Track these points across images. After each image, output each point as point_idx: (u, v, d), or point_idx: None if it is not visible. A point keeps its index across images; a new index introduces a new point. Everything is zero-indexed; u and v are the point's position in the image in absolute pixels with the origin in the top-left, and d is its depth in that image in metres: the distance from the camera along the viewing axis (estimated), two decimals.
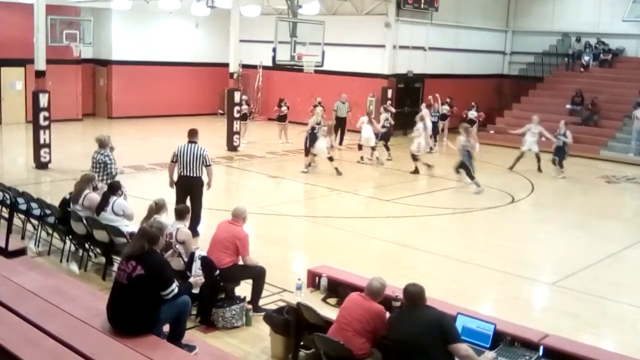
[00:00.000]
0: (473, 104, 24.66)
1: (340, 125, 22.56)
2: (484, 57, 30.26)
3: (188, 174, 11.31)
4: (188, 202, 10.96)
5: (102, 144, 11.67)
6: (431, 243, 12.28)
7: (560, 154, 19.08)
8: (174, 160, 11.43)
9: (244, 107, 22.53)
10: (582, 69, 28.58)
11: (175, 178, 11.57)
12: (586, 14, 28.77)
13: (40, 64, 17.36)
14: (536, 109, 26.88)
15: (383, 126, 20.17)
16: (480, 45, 29.83)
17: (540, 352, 5.99)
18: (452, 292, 8.96)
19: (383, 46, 26.02)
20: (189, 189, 11.36)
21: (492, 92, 30.06)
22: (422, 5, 26.19)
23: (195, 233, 10.93)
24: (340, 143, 22.56)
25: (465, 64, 29.18)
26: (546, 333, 6.30)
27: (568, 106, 26.46)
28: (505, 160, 20.74)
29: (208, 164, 11.47)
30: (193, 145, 11.40)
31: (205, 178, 11.50)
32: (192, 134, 11.58)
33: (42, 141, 17.17)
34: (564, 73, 29.10)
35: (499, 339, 6.15)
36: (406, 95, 27.01)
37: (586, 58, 28.53)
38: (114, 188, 10.01)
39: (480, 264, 11.16)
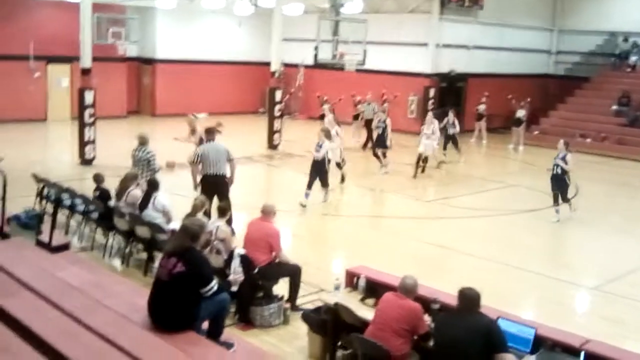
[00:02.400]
0: (522, 103, 24.23)
1: (367, 128, 21.48)
2: (529, 56, 29.83)
3: (215, 172, 11.27)
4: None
5: (143, 141, 11.88)
6: (471, 245, 12.15)
7: (560, 185, 13.87)
8: (197, 161, 11.36)
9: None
10: (628, 70, 27.98)
11: (198, 179, 11.51)
12: (634, 13, 28.11)
13: (86, 62, 17.64)
14: (582, 110, 26.53)
15: (379, 127, 18.21)
16: (525, 44, 29.41)
17: (582, 358, 5.89)
18: (492, 296, 8.79)
19: (426, 45, 25.84)
20: (217, 187, 11.26)
21: (537, 92, 29.61)
22: (467, 3, 25.95)
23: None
24: (365, 146, 21.56)
25: (510, 63, 28.78)
26: (588, 338, 6.20)
27: (614, 107, 25.94)
28: (549, 161, 20.40)
29: (231, 158, 11.48)
30: (214, 142, 11.46)
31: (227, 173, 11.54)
32: (211, 132, 11.66)
33: (87, 138, 17.48)
34: (611, 73, 28.51)
35: (540, 344, 6.08)
36: (449, 94, 26.79)
37: (633, 58, 27.91)
38: (154, 185, 10.15)
39: (521, 267, 11.01)
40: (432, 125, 18.42)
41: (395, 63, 26.30)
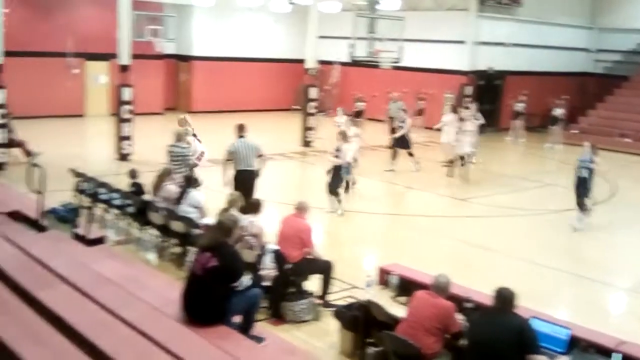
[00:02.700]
0: (559, 101, 23.87)
1: (391, 126, 20.59)
2: (567, 54, 29.40)
3: (247, 167, 11.42)
4: None
5: (180, 137, 12.04)
6: (505, 244, 12.05)
7: (582, 189, 12.90)
8: (230, 158, 11.50)
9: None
10: None
11: (230, 175, 11.56)
12: None
13: (124, 59, 17.84)
14: (621, 109, 26.09)
15: (400, 126, 17.92)
16: (564, 42, 28.98)
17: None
18: (526, 296, 8.70)
19: (463, 42, 25.63)
20: (248, 183, 11.33)
21: (576, 91, 29.17)
22: (505, 0, 25.69)
23: None
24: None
25: (548, 61, 28.40)
26: (623, 340, 6.10)
27: None
28: None
29: (262, 153, 11.66)
30: (245, 139, 11.53)
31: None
32: (243, 129, 11.70)
33: (124, 134, 17.71)
34: None
35: (574, 344, 6.00)
36: (486, 92, 26.58)
37: None
38: (191, 180, 10.25)
39: (556, 267, 10.89)
40: (468, 122, 17.84)
41: (432, 60, 26.15)
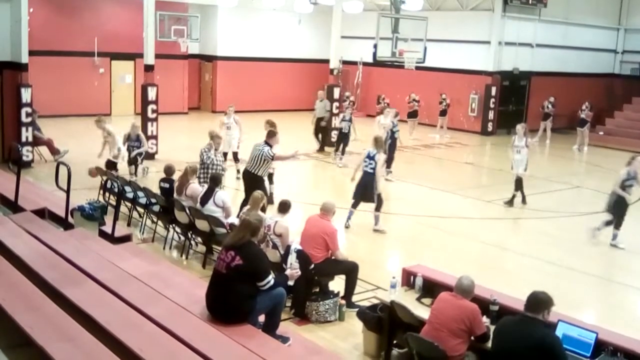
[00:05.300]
0: (587, 103, 23.61)
1: (316, 127, 20.77)
2: (594, 55, 29.09)
3: (249, 168, 11.57)
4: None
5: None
6: (532, 247, 11.94)
7: (617, 209, 11.86)
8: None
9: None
10: None
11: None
12: None
13: (150, 59, 17.96)
14: None
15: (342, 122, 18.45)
16: (590, 42, 28.68)
17: None
18: (554, 298, 8.66)
19: (488, 42, 25.49)
20: (251, 182, 11.32)
21: (602, 92, 28.87)
22: (531, 1, 25.49)
23: None
24: (321, 149, 20.70)
25: (574, 61, 28.15)
26: None
27: None
28: (615, 162, 19.81)
29: (265, 160, 11.48)
30: (261, 143, 11.59)
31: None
32: (269, 135, 11.78)
33: (149, 133, 17.80)
34: None
35: (601, 349, 5.92)
36: (511, 93, 26.41)
37: None
38: (216, 180, 10.30)
39: (584, 271, 10.77)
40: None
41: (456, 61, 26.04)
